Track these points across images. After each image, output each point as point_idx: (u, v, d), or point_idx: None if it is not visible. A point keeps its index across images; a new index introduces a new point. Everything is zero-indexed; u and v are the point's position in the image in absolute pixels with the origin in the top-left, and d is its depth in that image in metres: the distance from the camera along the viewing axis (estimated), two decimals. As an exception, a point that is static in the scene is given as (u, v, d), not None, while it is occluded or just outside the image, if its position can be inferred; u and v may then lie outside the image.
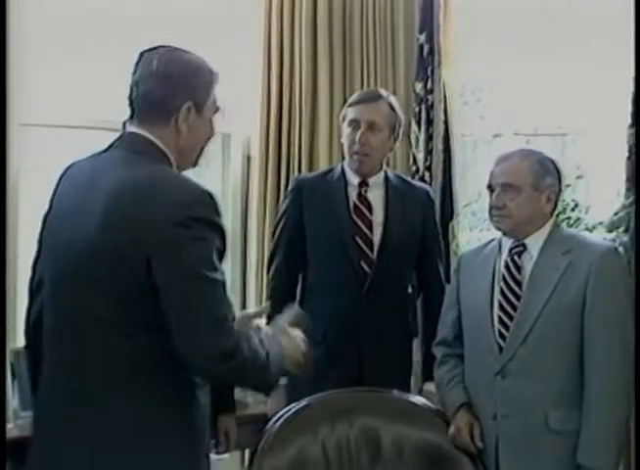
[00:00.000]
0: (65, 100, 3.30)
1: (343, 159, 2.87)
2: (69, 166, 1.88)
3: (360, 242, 2.72)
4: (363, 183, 2.78)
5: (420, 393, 2.83)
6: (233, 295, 2.17)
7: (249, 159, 3.62)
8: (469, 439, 2.30)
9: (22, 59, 3.03)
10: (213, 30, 3.44)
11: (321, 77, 3.52)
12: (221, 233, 1.70)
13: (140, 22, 3.32)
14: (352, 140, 2.72)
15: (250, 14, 3.53)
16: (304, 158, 3.51)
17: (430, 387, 2.77)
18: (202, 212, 1.66)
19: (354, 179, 2.78)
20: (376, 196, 2.78)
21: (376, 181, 2.79)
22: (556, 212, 2.39)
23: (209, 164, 3.49)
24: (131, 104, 1.78)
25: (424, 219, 2.83)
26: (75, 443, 1.70)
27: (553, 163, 2.34)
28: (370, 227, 2.74)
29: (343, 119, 2.79)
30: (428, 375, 2.81)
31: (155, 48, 1.79)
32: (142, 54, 1.79)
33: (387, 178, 2.82)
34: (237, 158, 3.65)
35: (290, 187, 2.91)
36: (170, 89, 1.75)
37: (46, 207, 1.88)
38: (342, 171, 2.81)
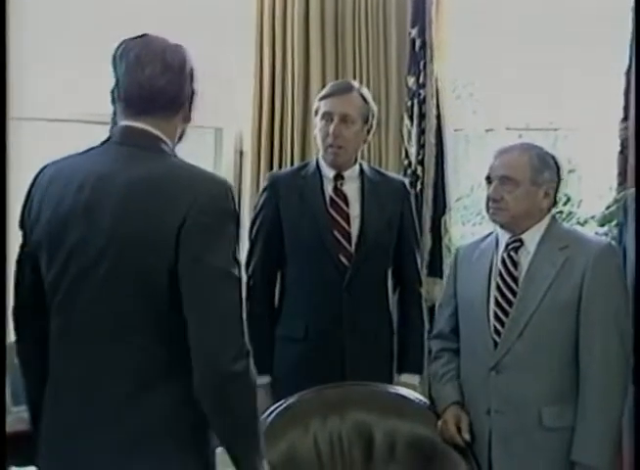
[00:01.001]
0: (55, 94, 3.28)
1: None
2: (46, 166, 1.82)
3: (338, 236, 2.71)
4: (338, 176, 2.77)
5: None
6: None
7: (241, 153, 3.62)
8: (455, 430, 2.30)
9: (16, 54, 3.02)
10: (205, 25, 3.43)
11: (313, 72, 3.51)
12: (237, 225, 1.71)
13: (132, 18, 3.31)
14: (326, 133, 2.71)
15: (242, 8, 3.52)
16: (297, 152, 3.51)
17: (405, 379, 2.78)
18: (226, 204, 1.67)
19: (329, 173, 2.77)
20: (352, 189, 2.77)
21: (351, 174, 2.78)
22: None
23: (202, 159, 3.48)
24: (128, 97, 1.74)
25: (401, 211, 2.82)
26: (84, 442, 1.70)
27: (553, 158, 2.34)
28: (347, 220, 2.73)
29: (316, 113, 2.78)
30: (401, 367, 2.82)
31: (138, 37, 1.75)
32: (128, 44, 1.74)
33: (362, 171, 2.81)
34: (229, 152, 3.64)
35: (264, 184, 2.88)
36: (182, 83, 1.76)
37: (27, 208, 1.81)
38: (317, 166, 2.80)
